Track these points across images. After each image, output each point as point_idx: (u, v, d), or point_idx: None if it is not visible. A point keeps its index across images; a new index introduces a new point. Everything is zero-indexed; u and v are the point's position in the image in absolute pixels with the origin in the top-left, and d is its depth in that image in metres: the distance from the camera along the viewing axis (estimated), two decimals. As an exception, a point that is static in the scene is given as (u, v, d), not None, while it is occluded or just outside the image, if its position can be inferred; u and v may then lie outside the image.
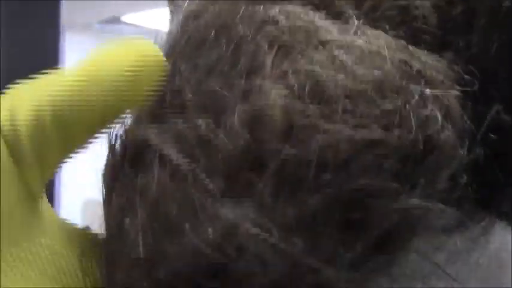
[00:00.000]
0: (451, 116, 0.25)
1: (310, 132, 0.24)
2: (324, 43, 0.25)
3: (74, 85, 0.24)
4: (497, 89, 0.27)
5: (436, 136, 0.25)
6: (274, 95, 0.24)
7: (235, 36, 0.26)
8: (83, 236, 0.28)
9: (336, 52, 0.25)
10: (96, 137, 0.26)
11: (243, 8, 0.27)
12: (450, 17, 0.27)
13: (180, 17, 0.29)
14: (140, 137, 0.26)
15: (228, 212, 0.24)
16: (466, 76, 0.26)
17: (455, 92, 0.26)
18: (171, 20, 0.31)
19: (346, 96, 0.24)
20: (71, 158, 0.26)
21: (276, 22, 0.26)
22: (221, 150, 0.24)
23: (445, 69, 0.26)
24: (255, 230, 0.24)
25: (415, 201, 0.25)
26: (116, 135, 0.28)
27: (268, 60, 0.25)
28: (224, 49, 0.26)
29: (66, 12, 1.51)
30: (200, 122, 0.25)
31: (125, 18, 3.30)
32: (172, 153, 0.25)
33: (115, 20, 3.42)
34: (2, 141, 0.24)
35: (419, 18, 0.27)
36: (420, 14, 0.27)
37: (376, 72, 0.25)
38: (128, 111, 0.26)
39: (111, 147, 0.28)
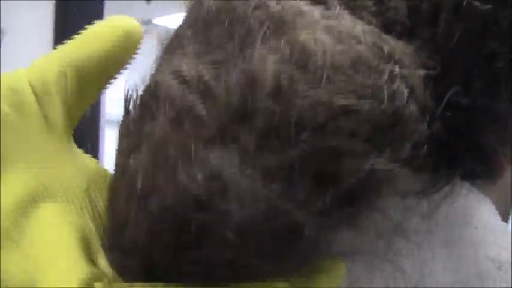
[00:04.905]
0: (416, 93, 0.29)
1: (294, 95, 0.27)
2: (307, 25, 0.28)
3: (84, 46, 0.31)
4: (456, 74, 0.31)
5: (402, 110, 0.28)
6: (267, 61, 0.27)
7: (234, 18, 0.30)
8: (95, 170, 0.32)
9: (318, 33, 0.28)
10: (104, 87, 0.31)
11: None
12: (419, 10, 0.31)
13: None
14: (151, 83, 0.30)
15: (216, 156, 0.27)
16: (429, 61, 0.30)
17: (420, 73, 0.29)
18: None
19: (328, 68, 0.28)
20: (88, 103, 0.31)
21: (267, 6, 0.30)
22: (217, 101, 0.27)
23: (412, 54, 0.29)
24: (237, 175, 0.27)
25: (381, 163, 0.28)
26: (128, 96, 0.32)
27: (259, 36, 0.28)
28: (226, 27, 0.30)
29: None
30: (204, 70, 0.28)
31: (156, 20, 3.75)
32: (178, 91, 0.28)
33: (148, 22, 3.71)
34: (27, 84, 0.29)
35: (391, 9, 0.31)
36: (392, 6, 0.31)
37: (352, 52, 0.28)
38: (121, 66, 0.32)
39: (125, 106, 0.32)
